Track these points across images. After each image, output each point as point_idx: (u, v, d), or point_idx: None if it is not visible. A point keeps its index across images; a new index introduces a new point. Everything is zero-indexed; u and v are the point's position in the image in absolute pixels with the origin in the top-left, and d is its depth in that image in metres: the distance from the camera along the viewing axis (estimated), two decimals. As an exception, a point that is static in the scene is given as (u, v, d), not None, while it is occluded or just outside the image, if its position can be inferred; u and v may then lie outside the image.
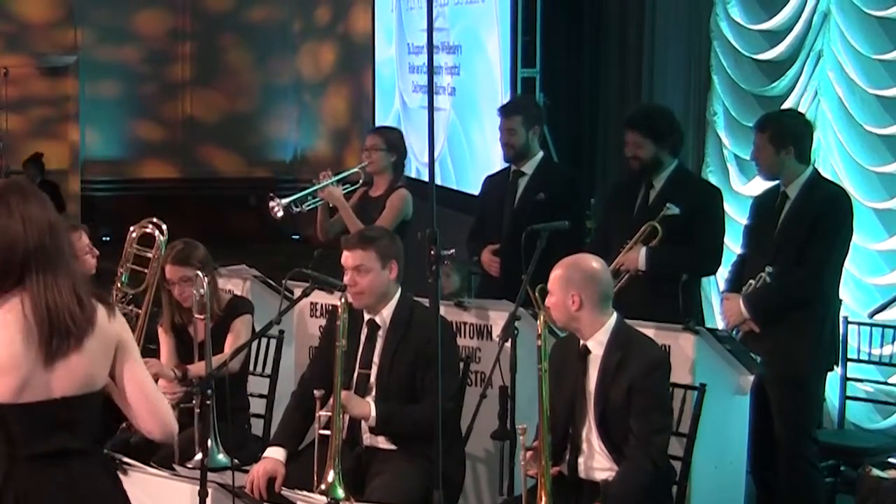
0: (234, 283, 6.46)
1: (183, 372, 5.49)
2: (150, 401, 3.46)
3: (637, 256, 5.87)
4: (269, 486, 4.81)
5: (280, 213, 6.72)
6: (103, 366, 3.39)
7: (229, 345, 5.60)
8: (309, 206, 6.77)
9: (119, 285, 5.84)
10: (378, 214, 6.68)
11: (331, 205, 6.77)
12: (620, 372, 4.66)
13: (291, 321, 6.05)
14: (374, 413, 4.93)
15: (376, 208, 6.75)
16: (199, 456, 4.79)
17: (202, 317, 5.30)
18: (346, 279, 5.07)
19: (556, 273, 4.76)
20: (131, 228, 5.85)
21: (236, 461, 4.90)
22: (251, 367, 5.87)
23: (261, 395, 5.81)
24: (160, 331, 5.82)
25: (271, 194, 6.74)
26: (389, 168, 6.86)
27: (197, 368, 5.47)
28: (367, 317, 5.14)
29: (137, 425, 3.48)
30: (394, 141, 6.93)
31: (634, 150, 6.03)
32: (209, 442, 4.84)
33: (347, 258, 5.09)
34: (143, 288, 5.82)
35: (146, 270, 6.00)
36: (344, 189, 6.82)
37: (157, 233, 5.81)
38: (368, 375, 5.07)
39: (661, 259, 5.86)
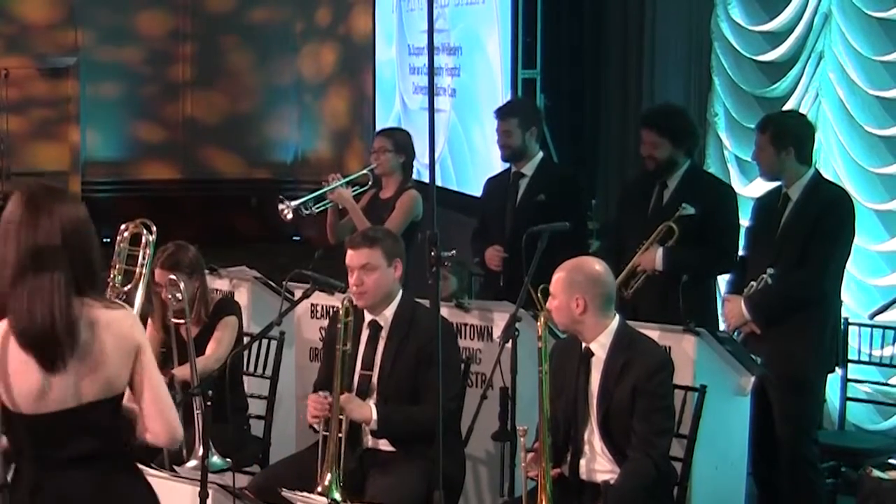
0: (234, 284, 6.45)
1: (170, 377, 5.43)
2: (161, 405, 3.48)
3: (654, 257, 5.87)
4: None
5: (290, 216, 6.68)
6: (122, 370, 3.41)
7: (211, 347, 5.57)
8: (318, 208, 6.75)
9: (115, 285, 5.78)
10: (388, 216, 6.64)
11: (340, 207, 6.76)
12: (624, 374, 4.65)
13: (292, 322, 6.04)
14: (375, 417, 4.92)
15: (386, 210, 6.70)
16: (192, 463, 4.79)
17: (181, 321, 5.25)
18: (351, 279, 5.04)
19: (559, 276, 4.74)
20: (122, 227, 5.73)
21: (233, 461, 4.88)
22: (252, 369, 5.86)
23: (261, 397, 5.80)
24: (150, 331, 5.77)
25: (280, 197, 6.71)
26: (398, 169, 6.81)
27: (181, 372, 5.40)
28: (368, 317, 5.12)
29: (145, 428, 3.48)
30: (402, 142, 6.88)
31: (650, 150, 6.03)
32: (200, 446, 4.79)
33: (353, 257, 5.06)
34: (131, 286, 5.73)
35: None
36: (353, 191, 6.80)
37: (144, 231, 5.69)
38: (370, 376, 5.05)
39: (678, 259, 5.86)
